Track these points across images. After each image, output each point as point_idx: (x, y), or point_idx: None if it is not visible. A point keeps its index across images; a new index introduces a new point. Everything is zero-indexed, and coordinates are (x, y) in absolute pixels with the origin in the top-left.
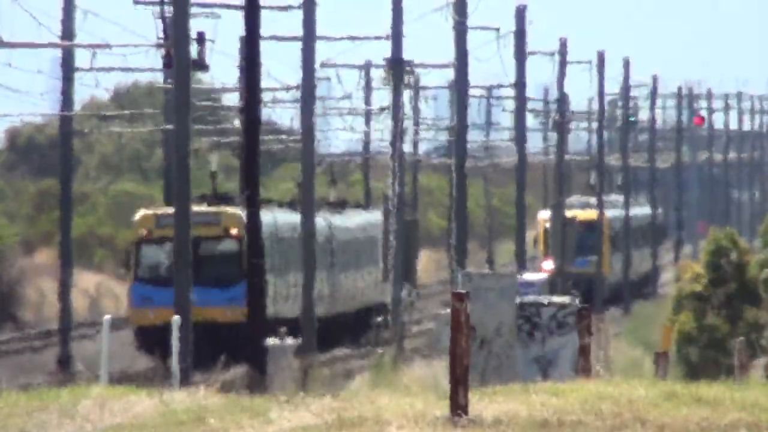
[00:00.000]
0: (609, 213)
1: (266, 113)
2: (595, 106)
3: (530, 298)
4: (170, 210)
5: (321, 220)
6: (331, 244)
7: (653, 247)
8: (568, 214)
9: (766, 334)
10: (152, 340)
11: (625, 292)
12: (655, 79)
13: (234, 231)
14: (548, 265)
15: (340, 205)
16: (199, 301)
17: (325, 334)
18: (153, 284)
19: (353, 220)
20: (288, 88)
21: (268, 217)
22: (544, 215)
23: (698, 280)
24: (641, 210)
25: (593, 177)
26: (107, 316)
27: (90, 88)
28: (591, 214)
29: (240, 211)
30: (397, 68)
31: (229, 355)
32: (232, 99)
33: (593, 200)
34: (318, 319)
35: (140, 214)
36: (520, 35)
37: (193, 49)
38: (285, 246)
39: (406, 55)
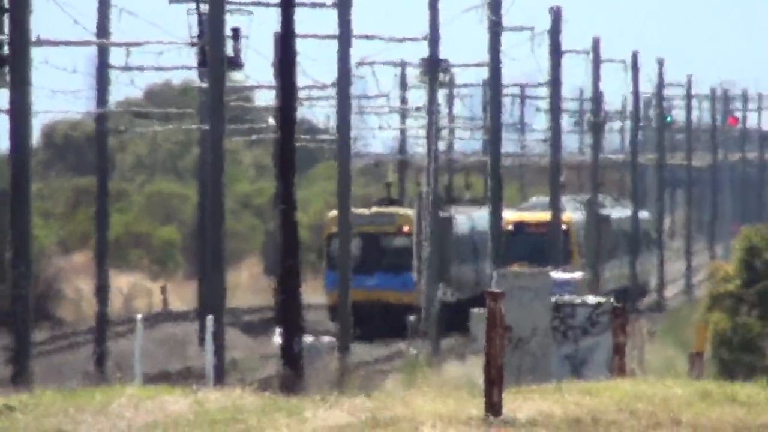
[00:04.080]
0: (577, 216)
1: (301, 112)
2: (629, 105)
3: (566, 297)
4: (356, 210)
5: (465, 217)
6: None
7: (633, 256)
8: (517, 216)
9: None
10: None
11: (659, 293)
12: (689, 79)
13: (406, 228)
14: None
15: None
16: (378, 285)
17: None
18: None
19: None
20: (323, 87)
21: (464, 216)
22: (510, 216)
23: (730, 279)
24: (624, 213)
25: (564, 176)
26: (139, 316)
27: (125, 87)
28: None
29: (411, 212)
30: (433, 68)
31: (396, 328)
32: (265, 97)
33: (561, 200)
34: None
35: (332, 213)
36: (554, 35)
37: (228, 47)
38: (482, 239)
39: (441, 54)
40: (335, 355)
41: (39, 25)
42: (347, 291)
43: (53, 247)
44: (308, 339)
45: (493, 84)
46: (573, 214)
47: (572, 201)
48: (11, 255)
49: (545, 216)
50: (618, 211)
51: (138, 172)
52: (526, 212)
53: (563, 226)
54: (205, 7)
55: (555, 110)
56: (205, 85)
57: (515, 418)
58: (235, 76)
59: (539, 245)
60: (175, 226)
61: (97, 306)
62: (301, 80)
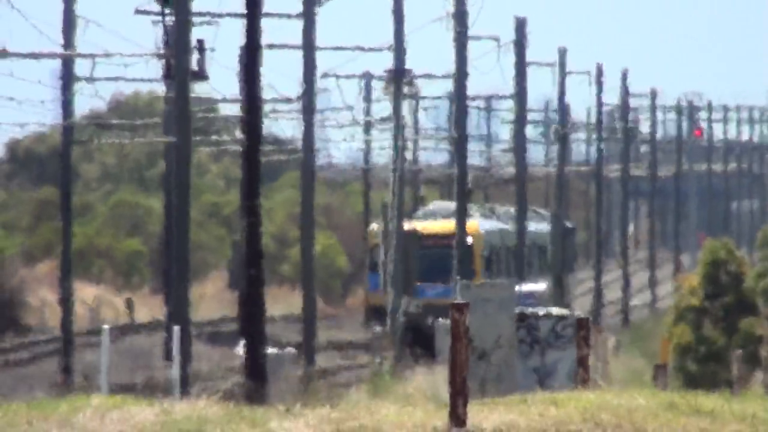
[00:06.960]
0: (486, 226)
1: (266, 124)
2: (594, 116)
3: (530, 309)
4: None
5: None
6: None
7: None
8: (420, 225)
9: (764, 346)
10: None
11: (624, 305)
12: (654, 90)
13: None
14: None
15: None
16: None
17: None
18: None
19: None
20: (288, 99)
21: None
22: (376, 228)
23: (695, 292)
24: (539, 225)
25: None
26: (106, 326)
27: (90, 98)
28: (452, 225)
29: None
30: (398, 79)
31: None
32: (230, 109)
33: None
34: None
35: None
36: (519, 45)
37: (193, 59)
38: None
39: (406, 65)
40: (300, 366)
41: (3, 36)
42: (314, 308)
43: (16, 257)
44: (272, 350)
45: (459, 94)
46: (484, 224)
47: (484, 210)
48: None
49: (448, 226)
50: (535, 224)
51: (103, 183)
52: (426, 221)
53: (468, 239)
54: (170, 18)
55: (520, 121)
56: (170, 94)
57: (480, 428)
58: (201, 88)
59: (438, 261)
60: (141, 238)
61: (62, 317)
62: (266, 93)
